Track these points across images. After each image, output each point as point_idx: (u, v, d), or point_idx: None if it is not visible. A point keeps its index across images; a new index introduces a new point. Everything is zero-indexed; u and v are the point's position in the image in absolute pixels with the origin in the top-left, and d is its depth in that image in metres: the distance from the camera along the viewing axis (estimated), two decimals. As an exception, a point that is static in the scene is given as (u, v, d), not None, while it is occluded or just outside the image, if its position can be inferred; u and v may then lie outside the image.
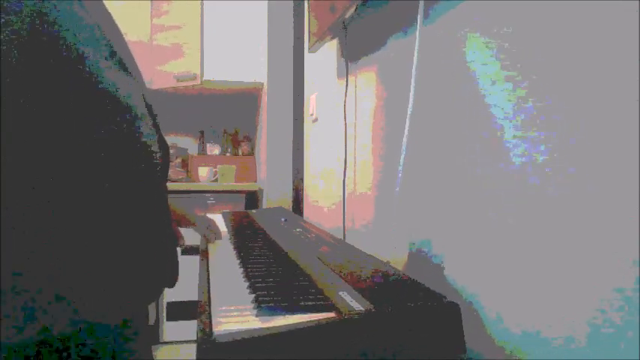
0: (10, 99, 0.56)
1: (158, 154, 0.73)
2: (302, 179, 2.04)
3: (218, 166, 2.85)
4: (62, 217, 0.59)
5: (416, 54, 0.86)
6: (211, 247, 1.02)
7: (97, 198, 0.61)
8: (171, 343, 2.57)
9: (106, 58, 0.65)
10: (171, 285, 0.75)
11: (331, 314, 0.57)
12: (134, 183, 0.66)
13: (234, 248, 0.98)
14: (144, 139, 0.69)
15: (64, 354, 0.61)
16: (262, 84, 2.63)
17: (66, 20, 0.61)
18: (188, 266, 2.54)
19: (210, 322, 0.55)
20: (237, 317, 0.57)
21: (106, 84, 0.64)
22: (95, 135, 0.62)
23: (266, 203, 2.47)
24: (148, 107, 0.73)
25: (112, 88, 0.64)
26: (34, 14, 0.58)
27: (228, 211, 1.78)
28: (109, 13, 0.76)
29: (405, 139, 0.89)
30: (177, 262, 0.76)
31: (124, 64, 0.68)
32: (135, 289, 0.66)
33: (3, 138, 0.56)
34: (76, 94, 0.60)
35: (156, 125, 0.74)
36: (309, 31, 1.50)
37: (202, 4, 2.60)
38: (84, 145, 0.60)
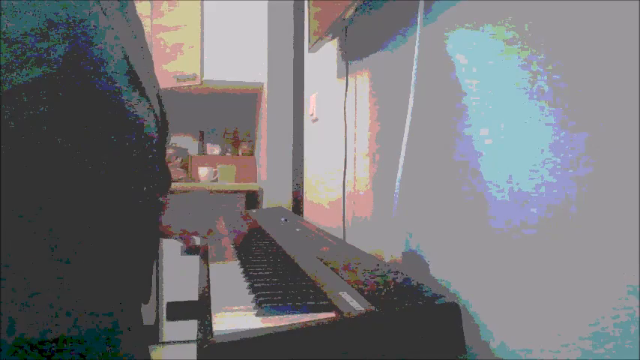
0: (36, 113, 0.57)
1: (159, 178, 0.74)
2: (302, 179, 2.04)
3: (218, 166, 2.85)
4: (60, 223, 0.59)
5: (416, 53, 0.86)
6: (211, 247, 1.02)
7: (97, 210, 0.62)
8: (171, 343, 2.57)
9: (130, 86, 0.66)
10: (146, 301, 0.76)
11: (331, 314, 0.57)
12: (132, 201, 0.67)
13: (234, 248, 0.98)
14: (151, 163, 0.70)
15: (56, 355, 0.61)
16: (262, 84, 2.63)
17: (99, 44, 0.62)
18: (188, 266, 2.55)
19: (211, 322, 0.55)
20: (237, 317, 0.57)
21: (131, 115, 0.65)
22: (112, 155, 0.63)
23: (266, 203, 2.47)
24: (161, 131, 0.74)
25: (134, 116, 0.66)
26: (76, 34, 0.59)
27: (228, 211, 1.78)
28: (140, 21, 0.77)
29: (405, 139, 0.89)
30: (151, 275, 0.78)
31: (144, 92, 0.69)
32: (120, 296, 0.66)
33: (16, 147, 0.56)
34: (98, 119, 0.62)
35: (163, 150, 0.76)
36: (309, 31, 1.50)
37: (202, 4, 2.60)
38: (93, 160, 0.61)
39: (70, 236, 0.60)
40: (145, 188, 0.70)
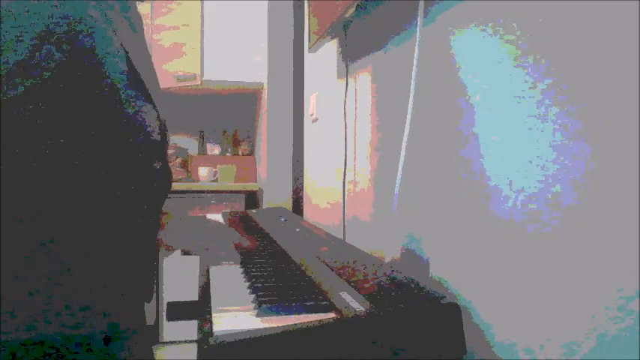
0: (34, 116, 0.56)
1: (160, 181, 0.74)
2: (302, 179, 2.04)
3: (218, 166, 2.85)
4: (62, 225, 0.59)
5: (416, 54, 0.86)
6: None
7: (97, 211, 0.62)
8: (171, 343, 2.57)
9: (131, 86, 0.66)
10: (149, 300, 0.76)
11: (331, 314, 0.57)
12: (133, 201, 0.67)
13: (234, 248, 0.98)
14: (152, 164, 0.70)
15: (59, 355, 0.61)
16: (262, 84, 2.63)
17: (102, 46, 0.62)
18: (188, 266, 2.55)
19: (211, 322, 0.55)
20: (237, 317, 0.57)
21: (132, 115, 0.65)
22: (113, 156, 0.63)
23: (266, 203, 2.47)
24: (162, 132, 0.74)
25: (136, 118, 0.66)
26: (72, 35, 0.59)
27: (228, 211, 1.78)
28: (140, 19, 0.77)
29: (404, 140, 0.89)
30: (154, 279, 0.78)
31: (148, 93, 0.69)
32: (124, 294, 0.66)
33: (14, 149, 0.56)
34: (102, 122, 0.61)
35: (165, 151, 0.76)
36: (309, 31, 1.50)
37: (202, 4, 2.60)
38: (96, 162, 0.61)
39: (72, 236, 0.60)
40: (146, 188, 0.70)
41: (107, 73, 0.63)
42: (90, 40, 0.61)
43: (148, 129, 0.69)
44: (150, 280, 0.76)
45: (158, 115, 0.72)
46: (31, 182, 0.58)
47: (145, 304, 0.77)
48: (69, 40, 0.58)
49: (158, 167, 0.73)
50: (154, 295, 2.65)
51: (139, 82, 0.68)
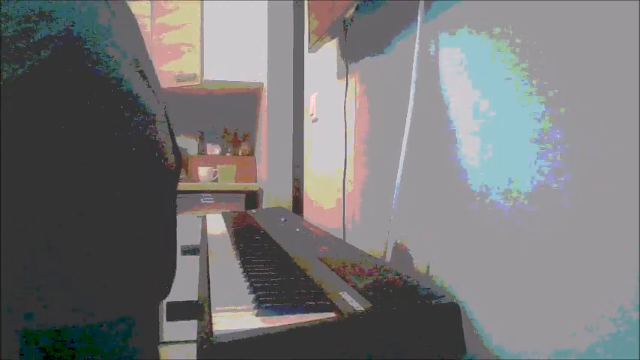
0: (33, 97, 0.56)
1: (170, 160, 0.73)
2: (302, 179, 2.04)
3: (218, 166, 2.85)
4: (71, 214, 0.59)
5: (416, 53, 0.86)
6: (211, 247, 1.02)
7: (107, 197, 0.62)
8: (171, 343, 2.57)
9: (129, 63, 0.65)
10: (167, 293, 0.76)
11: (331, 314, 0.57)
12: (145, 185, 0.66)
13: (234, 248, 0.98)
14: (159, 144, 0.70)
15: (67, 350, 0.61)
16: (262, 84, 2.63)
17: (97, 27, 0.62)
18: (188, 266, 2.55)
19: (211, 322, 0.55)
20: (237, 317, 0.57)
21: (128, 87, 0.64)
22: (113, 135, 0.62)
23: (266, 203, 2.47)
24: (165, 114, 0.74)
25: (134, 91, 0.65)
26: (66, 19, 0.59)
27: (228, 211, 1.78)
28: (131, 13, 0.77)
29: (405, 139, 0.89)
30: (175, 267, 0.77)
31: (143, 72, 0.69)
32: (138, 289, 0.66)
33: (14, 135, 0.56)
34: (99, 96, 0.61)
35: (171, 131, 0.75)
36: (309, 31, 1.50)
37: (202, 4, 2.60)
38: (100, 145, 0.61)
39: (82, 228, 0.60)
40: (158, 178, 0.69)
41: (116, 65, 0.63)
42: (99, 31, 0.61)
43: (153, 107, 0.69)
44: (168, 275, 0.75)
45: (164, 107, 0.72)
46: (33, 179, 0.58)
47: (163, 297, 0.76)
48: (66, 31, 0.58)
49: (168, 152, 0.73)
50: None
51: (144, 75, 0.68)
